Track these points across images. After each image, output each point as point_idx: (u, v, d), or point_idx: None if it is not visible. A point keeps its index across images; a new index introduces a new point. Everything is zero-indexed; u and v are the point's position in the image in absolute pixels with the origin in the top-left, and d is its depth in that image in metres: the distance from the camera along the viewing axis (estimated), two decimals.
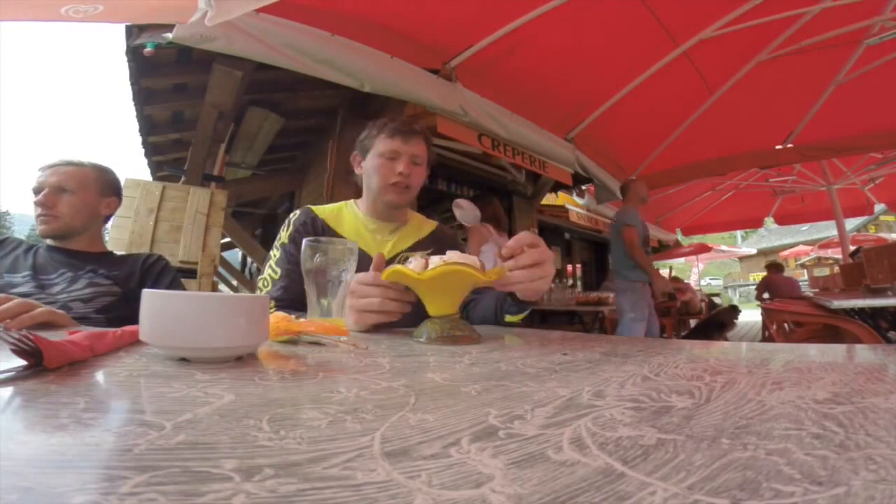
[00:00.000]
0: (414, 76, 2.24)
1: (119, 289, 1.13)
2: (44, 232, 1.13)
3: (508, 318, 0.89)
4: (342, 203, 1.15)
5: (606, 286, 6.44)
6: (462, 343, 0.63)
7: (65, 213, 1.14)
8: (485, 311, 0.95)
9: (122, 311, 1.10)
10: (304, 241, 0.70)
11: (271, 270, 1.01)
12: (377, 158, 1.06)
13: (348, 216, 1.11)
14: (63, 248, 1.16)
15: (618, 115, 3.18)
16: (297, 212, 1.09)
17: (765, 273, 6.02)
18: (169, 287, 1.18)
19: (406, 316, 0.75)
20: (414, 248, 1.10)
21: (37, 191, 1.13)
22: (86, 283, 1.09)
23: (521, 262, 0.70)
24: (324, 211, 1.10)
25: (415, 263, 0.66)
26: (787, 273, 5.18)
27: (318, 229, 1.05)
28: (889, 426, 0.25)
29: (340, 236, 1.04)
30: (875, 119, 3.22)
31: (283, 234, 1.05)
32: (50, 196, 1.12)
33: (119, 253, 1.27)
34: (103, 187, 1.22)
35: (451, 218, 0.84)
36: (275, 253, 1.04)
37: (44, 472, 0.18)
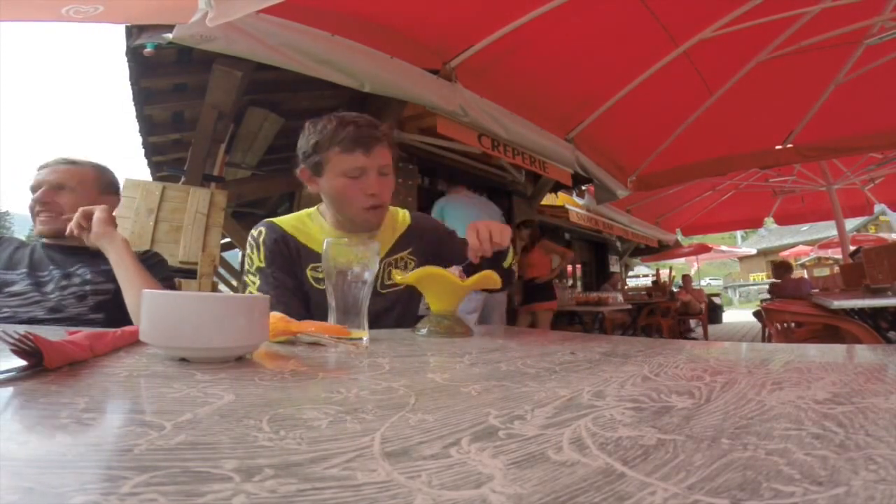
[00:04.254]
0: (414, 76, 2.24)
1: (113, 285, 1.12)
2: (43, 231, 1.12)
3: (505, 264, 1.00)
4: (304, 213, 1.05)
5: (606, 287, 6.44)
6: (455, 336, 0.75)
7: (66, 211, 1.13)
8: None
9: (118, 311, 1.08)
10: (326, 241, 0.68)
11: None
12: (339, 179, 0.93)
13: (315, 230, 1.01)
14: (59, 245, 1.15)
15: (618, 115, 3.18)
16: (262, 229, 0.98)
17: (766, 274, 6.01)
18: (162, 283, 1.18)
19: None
20: (393, 250, 1.04)
21: (34, 189, 1.12)
22: (80, 281, 1.09)
23: (481, 237, 0.89)
24: (289, 223, 1.00)
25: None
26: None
27: (290, 246, 0.97)
28: (889, 426, 0.25)
29: (314, 251, 0.97)
30: (875, 119, 3.22)
31: (256, 258, 0.95)
32: (48, 193, 1.11)
33: None
34: (103, 186, 1.21)
35: None
36: (252, 279, 0.94)
37: (44, 472, 0.18)
